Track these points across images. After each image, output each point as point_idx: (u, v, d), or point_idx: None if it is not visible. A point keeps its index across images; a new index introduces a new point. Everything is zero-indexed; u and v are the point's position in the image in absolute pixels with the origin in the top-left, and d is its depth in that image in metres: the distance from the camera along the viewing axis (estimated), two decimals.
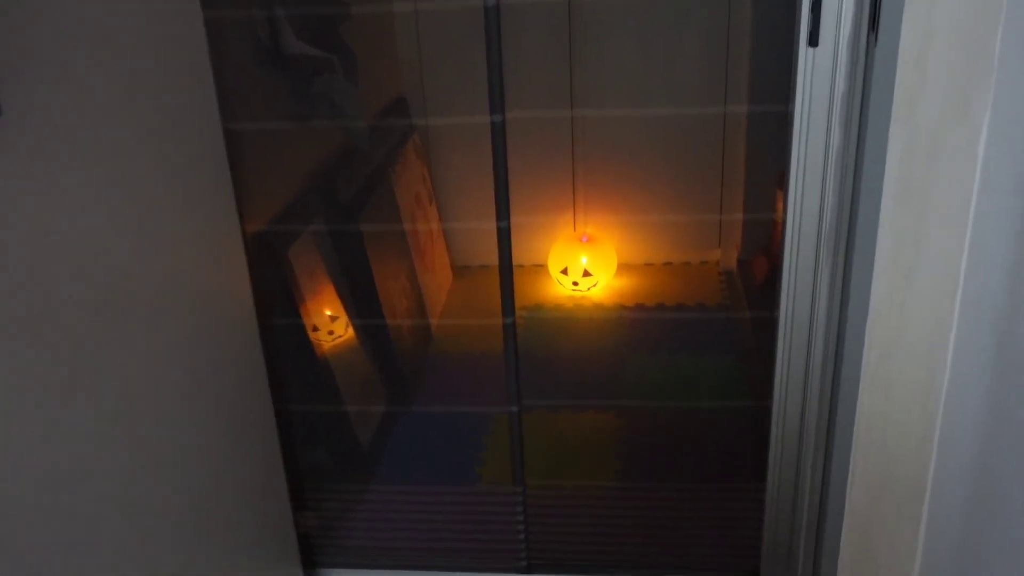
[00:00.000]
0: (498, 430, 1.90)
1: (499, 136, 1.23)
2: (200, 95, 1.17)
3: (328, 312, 1.77)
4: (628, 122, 2.52)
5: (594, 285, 2.54)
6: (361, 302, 1.91)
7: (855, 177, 1.17)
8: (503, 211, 1.26)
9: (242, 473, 1.30)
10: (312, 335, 1.67)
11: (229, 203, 1.25)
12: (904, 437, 1.19)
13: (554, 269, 2.56)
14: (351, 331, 1.83)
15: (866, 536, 1.26)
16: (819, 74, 1.12)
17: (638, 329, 2.36)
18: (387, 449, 1.85)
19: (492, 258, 2.57)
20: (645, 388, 2.07)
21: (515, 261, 1.48)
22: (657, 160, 2.55)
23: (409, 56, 2.45)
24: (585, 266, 2.51)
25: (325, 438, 1.71)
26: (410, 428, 1.92)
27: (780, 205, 2.08)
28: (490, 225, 1.32)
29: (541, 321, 2.41)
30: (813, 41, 1.09)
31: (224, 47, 1.30)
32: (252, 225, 1.46)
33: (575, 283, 2.53)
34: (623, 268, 2.64)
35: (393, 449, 1.86)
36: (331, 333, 1.76)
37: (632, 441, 1.86)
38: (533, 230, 2.61)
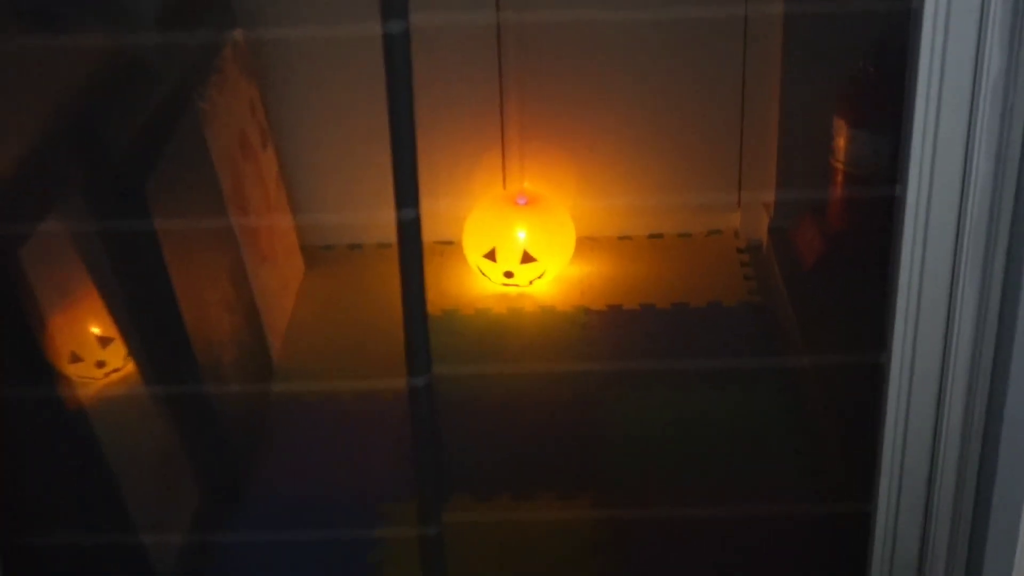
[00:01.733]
0: (395, 545, 1.88)
1: (399, 56, 1.09)
2: None
3: (95, 330, 1.79)
4: (588, 26, 2.53)
5: (539, 276, 2.55)
6: (150, 324, 1.89)
7: None
8: (407, 190, 1.12)
9: None
10: (71, 371, 1.68)
11: None
12: None
13: (473, 251, 2.56)
14: (132, 365, 1.84)
15: None
16: None
17: (611, 349, 2.37)
18: None
19: (369, 234, 2.74)
20: (637, 460, 2.07)
21: None
22: (636, 77, 2.58)
23: None
24: (524, 245, 2.51)
25: None
26: (243, 549, 1.91)
27: (841, 142, 2.20)
28: (382, 212, 1.20)
29: (454, 339, 2.40)
30: None
31: None
32: None
33: (508, 274, 2.54)
34: (585, 245, 2.67)
35: None
36: (101, 365, 1.78)
37: (627, 562, 1.86)
38: (437, 189, 2.61)
